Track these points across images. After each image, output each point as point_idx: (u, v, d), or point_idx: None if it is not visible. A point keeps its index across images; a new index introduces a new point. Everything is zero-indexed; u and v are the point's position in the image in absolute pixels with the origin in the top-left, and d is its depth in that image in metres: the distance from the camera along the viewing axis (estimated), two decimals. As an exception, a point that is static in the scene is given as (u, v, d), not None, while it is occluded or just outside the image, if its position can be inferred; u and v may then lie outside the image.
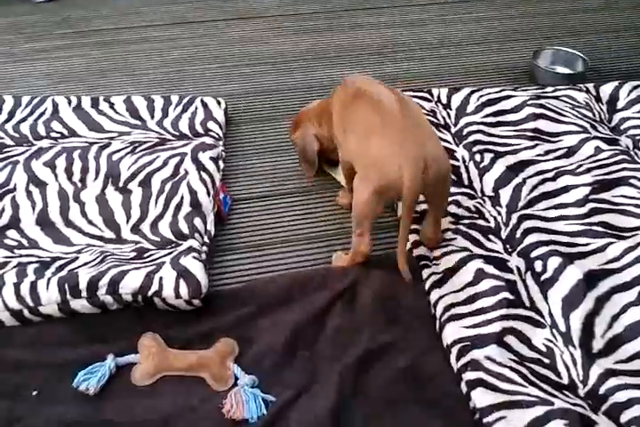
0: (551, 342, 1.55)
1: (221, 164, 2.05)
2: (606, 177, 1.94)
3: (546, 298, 1.64)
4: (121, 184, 1.91)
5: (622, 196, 1.88)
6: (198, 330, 1.56)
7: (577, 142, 2.08)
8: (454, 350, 1.53)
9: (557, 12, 3.05)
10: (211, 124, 2.17)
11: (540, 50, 2.61)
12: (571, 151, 2.06)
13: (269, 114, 2.41)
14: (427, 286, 1.70)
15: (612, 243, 1.74)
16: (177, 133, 2.13)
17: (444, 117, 2.25)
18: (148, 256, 1.67)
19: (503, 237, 1.82)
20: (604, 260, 1.70)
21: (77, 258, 1.68)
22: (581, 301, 1.60)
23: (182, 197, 1.84)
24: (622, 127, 2.20)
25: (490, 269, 1.69)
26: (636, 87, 2.31)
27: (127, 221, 1.80)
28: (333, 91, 1.90)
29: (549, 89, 2.32)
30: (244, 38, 2.87)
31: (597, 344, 1.53)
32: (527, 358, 1.52)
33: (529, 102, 2.22)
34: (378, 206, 1.64)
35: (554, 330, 1.57)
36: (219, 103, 2.28)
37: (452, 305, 1.62)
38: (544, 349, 1.54)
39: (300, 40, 2.85)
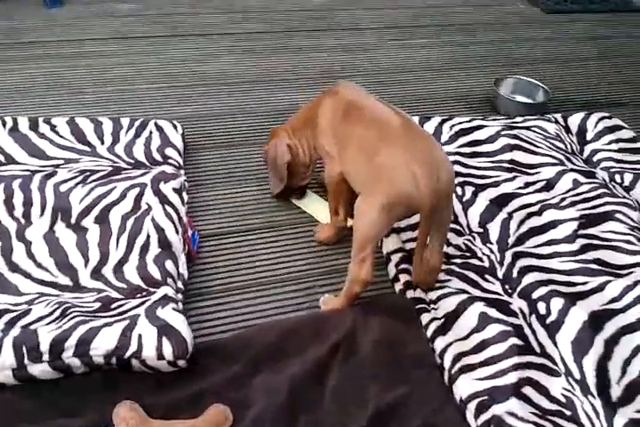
0: (569, 391, 1.45)
1: (185, 196, 1.84)
2: (592, 211, 1.90)
3: (554, 343, 1.54)
4: (73, 220, 1.66)
5: (611, 231, 1.83)
6: (184, 394, 1.34)
7: (554, 175, 2.03)
8: (472, 406, 1.40)
9: (511, 41, 3.05)
10: (169, 151, 1.96)
11: (502, 78, 2.58)
12: (550, 184, 2.01)
13: (228, 140, 2.22)
14: (429, 332, 1.57)
15: (609, 281, 1.67)
16: (132, 161, 1.90)
17: (418, 147, 2.14)
18: (115, 307, 1.44)
19: (500, 276, 1.72)
20: (606, 300, 1.63)
21: (30, 310, 1.41)
22: (591, 345, 1.52)
23: (148, 236, 1.62)
24: (594, 159, 2.18)
25: (493, 312, 1.58)
26: (601, 119, 2.31)
27: (85, 265, 1.55)
28: (318, 99, 1.77)
29: (519, 119, 2.28)
30: (190, 56, 2.66)
31: (615, 392, 1.44)
32: (548, 411, 1.41)
33: (503, 133, 2.15)
34: (386, 226, 1.51)
35: (569, 378, 1.48)
36: (175, 127, 2.06)
37: (461, 355, 1.50)
38: (563, 399, 1.44)
39: (250, 60, 2.68)
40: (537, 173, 2.05)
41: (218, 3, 3.10)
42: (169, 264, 1.56)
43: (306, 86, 2.54)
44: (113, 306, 1.44)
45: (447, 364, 1.49)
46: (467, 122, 2.23)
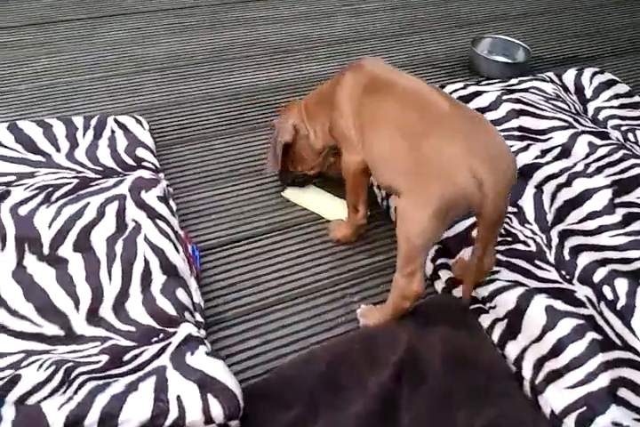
0: (666, 387, 1.26)
1: (173, 204, 1.52)
2: (621, 176, 1.71)
3: (632, 331, 1.36)
4: (46, 251, 1.32)
5: (648, 196, 1.66)
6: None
7: (568, 139, 1.83)
8: (569, 422, 1.19)
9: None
10: (141, 152, 1.62)
11: (478, 39, 2.35)
12: (566, 150, 1.81)
13: (197, 132, 1.89)
14: (495, 337, 1.34)
15: (665, 253, 1.50)
16: (100, 168, 1.55)
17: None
18: (130, 360, 1.12)
19: (552, 261, 1.51)
20: (669, 274, 1.46)
21: (19, 377, 1.07)
22: (670, 328, 1.34)
23: (147, 261, 1.29)
24: (600, 118, 2.01)
25: (560, 305, 1.36)
26: (595, 74, 2.13)
27: (76, 307, 1.22)
28: (339, 74, 1.49)
29: (514, 81, 2.06)
30: (127, 39, 2.28)
31: None
32: (652, 415, 1.21)
33: (504, 98, 1.94)
34: (439, 231, 1.26)
35: (660, 371, 1.29)
36: (140, 122, 1.72)
37: (542, 360, 1.28)
38: (663, 397, 1.25)
39: (196, 38, 2.33)
40: (549, 138, 1.85)
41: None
42: (180, 294, 1.25)
43: (266, 62, 2.23)
44: (126, 358, 1.12)
45: (527, 373, 1.27)
46: (462, 89, 2.00)
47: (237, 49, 2.29)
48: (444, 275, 1.47)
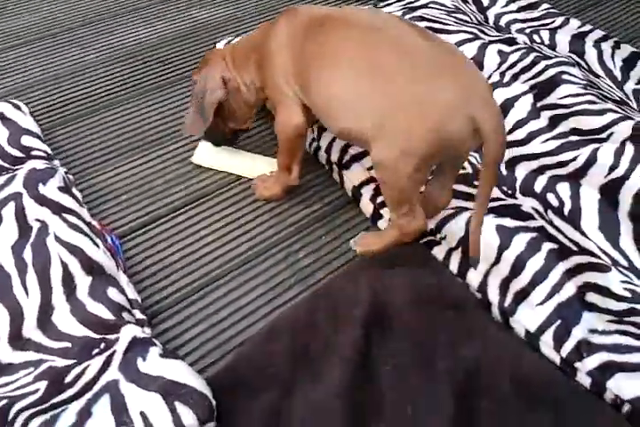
0: (629, 282, 1.23)
1: (77, 192, 1.32)
2: (538, 80, 1.63)
3: (584, 234, 1.31)
4: (-58, 275, 1.11)
5: (568, 95, 1.58)
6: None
7: (477, 51, 1.72)
8: (547, 338, 1.14)
9: None
10: (26, 140, 1.39)
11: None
12: (477, 62, 1.70)
13: (84, 105, 1.65)
14: (454, 267, 1.26)
15: (597, 149, 1.44)
16: (-18, 168, 1.33)
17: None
18: (73, 380, 0.96)
19: (491, 178, 1.42)
20: (605, 170, 1.40)
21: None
22: (618, 224, 1.32)
23: (64, 264, 1.11)
24: (502, 24, 1.91)
25: (509, 222, 1.29)
26: (486, -20, 2.02)
27: (-5, 333, 1.04)
28: (268, 25, 1.29)
29: (411, -2, 1.92)
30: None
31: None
32: (621, 313, 1.18)
33: (407, 17, 1.80)
34: (426, 173, 1.15)
35: (619, 268, 1.25)
36: (17, 107, 1.48)
37: (505, 282, 1.21)
38: (628, 294, 1.20)
39: (58, 2, 2.02)
40: (457, 52, 1.74)
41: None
42: (112, 293, 1.09)
43: (150, 14, 1.97)
44: (68, 379, 0.96)
45: (494, 298, 1.20)
46: (358, 14, 1.84)
47: (114, 4, 2.01)
48: (388, 214, 1.36)
